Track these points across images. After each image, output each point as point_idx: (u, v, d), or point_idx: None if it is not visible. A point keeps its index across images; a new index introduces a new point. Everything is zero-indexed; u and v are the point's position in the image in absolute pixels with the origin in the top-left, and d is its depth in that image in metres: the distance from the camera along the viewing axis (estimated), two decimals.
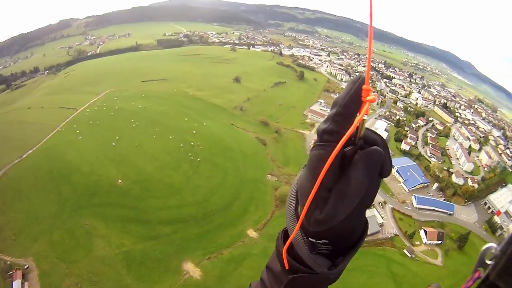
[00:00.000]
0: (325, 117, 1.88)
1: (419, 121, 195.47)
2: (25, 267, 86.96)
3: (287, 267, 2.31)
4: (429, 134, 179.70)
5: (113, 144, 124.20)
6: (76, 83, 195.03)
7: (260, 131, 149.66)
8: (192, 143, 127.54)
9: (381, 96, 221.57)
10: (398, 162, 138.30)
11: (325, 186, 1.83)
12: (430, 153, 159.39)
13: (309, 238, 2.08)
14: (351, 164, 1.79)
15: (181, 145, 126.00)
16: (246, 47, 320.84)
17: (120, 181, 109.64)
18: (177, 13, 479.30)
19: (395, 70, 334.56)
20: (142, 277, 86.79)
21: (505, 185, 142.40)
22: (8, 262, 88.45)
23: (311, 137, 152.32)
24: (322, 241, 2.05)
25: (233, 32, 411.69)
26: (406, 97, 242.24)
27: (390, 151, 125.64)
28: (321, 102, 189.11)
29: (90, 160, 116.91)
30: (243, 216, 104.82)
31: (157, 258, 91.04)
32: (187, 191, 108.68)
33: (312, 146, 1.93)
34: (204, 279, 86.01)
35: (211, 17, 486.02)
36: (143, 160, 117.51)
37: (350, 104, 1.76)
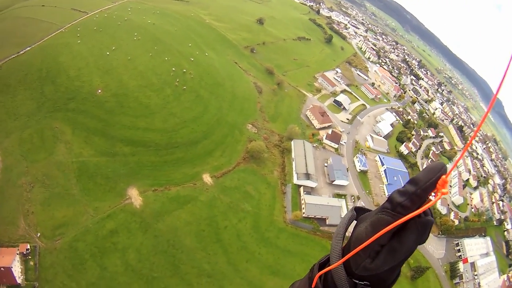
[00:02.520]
0: (402, 189, 2.15)
1: (429, 131, 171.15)
2: None
3: (313, 286, 2.64)
4: (433, 148, 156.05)
5: (107, 53, 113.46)
6: None
7: (262, 78, 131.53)
8: (184, 70, 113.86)
9: (401, 90, 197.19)
10: (389, 163, 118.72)
11: (380, 243, 2.21)
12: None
13: (353, 279, 2.40)
14: (407, 227, 2.13)
15: (173, 69, 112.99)
16: None
17: (99, 91, 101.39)
18: None
19: (426, 73, 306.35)
20: (87, 190, 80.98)
21: (484, 236, 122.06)
22: None
23: (312, 101, 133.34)
24: (364, 282, 2.40)
25: None
26: (426, 102, 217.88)
27: (388, 148, 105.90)
28: (337, 71, 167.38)
29: (80, 65, 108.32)
30: (205, 158, 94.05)
31: (107, 175, 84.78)
32: (160, 116, 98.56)
33: (382, 207, 2.24)
34: (142, 210, 78.86)
35: None
36: (129, 75, 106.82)
37: (429, 190, 2.03)
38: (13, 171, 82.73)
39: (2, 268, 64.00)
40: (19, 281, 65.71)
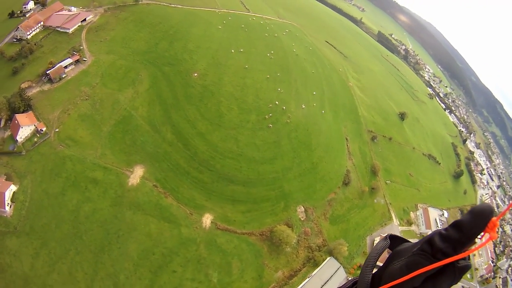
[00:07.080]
0: (445, 233, 2.30)
1: None
2: (84, 59, 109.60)
3: None
4: None
5: (232, 51, 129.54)
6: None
7: (360, 171, 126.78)
8: (284, 108, 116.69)
9: (493, 273, 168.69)
10: None
11: (414, 285, 2.40)
12: None
13: None
14: (444, 272, 2.28)
15: (276, 102, 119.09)
16: (444, 106, 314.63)
17: (196, 74, 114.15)
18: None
19: None
20: (112, 137, 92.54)
21: None
22: (82, 48, 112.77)
23: (392, 230, 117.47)
24: None
25: (446, 86, 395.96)
26: None
27: None
28: (444, 214, 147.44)
29: (201, 45, 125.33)
30: (225, 202, 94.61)
31: (135, 142, 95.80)
32: (223, 132, 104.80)
33: (421, 249, 2.41)
34: (129, 190, 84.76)
35: (445, 61, 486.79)
36: (231, 80, 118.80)
37: (475, 237, 2.12)
38: (86, 79, 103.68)
39: (16, 121, 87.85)
40: (19, 139, 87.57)
